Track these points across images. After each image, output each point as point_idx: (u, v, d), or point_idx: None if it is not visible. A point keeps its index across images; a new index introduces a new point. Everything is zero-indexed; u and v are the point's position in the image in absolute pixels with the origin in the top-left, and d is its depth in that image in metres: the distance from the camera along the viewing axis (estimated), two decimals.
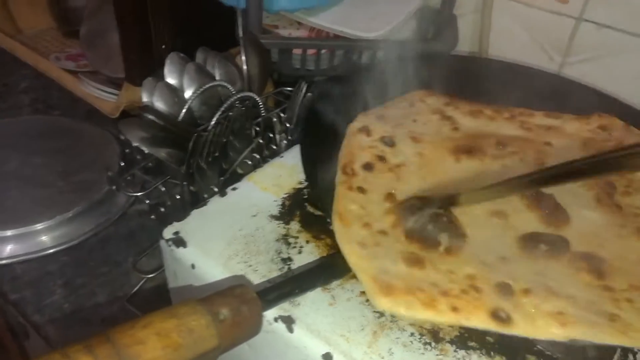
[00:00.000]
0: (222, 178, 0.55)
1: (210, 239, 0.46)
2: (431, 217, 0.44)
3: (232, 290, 0.33)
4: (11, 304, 0.61)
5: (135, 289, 0.62)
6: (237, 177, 0.53)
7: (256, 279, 0.43)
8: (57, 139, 0.78)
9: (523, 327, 0.38)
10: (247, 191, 0.50)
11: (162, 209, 0.54)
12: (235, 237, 0.46)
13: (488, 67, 0.64)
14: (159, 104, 0.58)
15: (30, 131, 0.80)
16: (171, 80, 0.62)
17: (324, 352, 0.39)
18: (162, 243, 0.46)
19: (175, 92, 0.59)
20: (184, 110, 0.57)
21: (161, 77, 0.61)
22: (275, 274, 0.43)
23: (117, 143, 0.73)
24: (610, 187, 0.49)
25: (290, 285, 0.38)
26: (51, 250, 0.66)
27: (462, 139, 0.52)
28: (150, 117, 0.52)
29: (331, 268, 0.41)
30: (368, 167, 0.48)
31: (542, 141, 0.53)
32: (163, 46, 0.74)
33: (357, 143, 0.49)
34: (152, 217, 0.54)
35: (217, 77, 0.62)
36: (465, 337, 0.40)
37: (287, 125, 0.61)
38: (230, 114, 0.55)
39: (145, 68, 0.71)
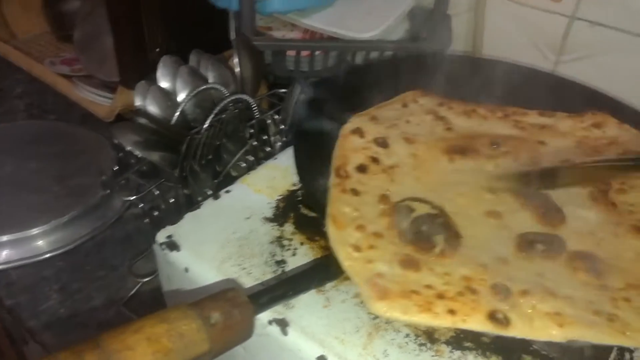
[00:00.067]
0: (215, 181, 0.55)
1: (203, 242, 0.46)
2: (425, 219, 0.44)
3: (224, 294, 0.33)
4: (6, 310, 0.61)
5: (131, 293, 0.62)
6: (231, 180, 0.53)
7: (250, 281, 0.43)
8: (52, 144, 0.77)
9: (521, 328, 0.38)
10: (241, 194, 0.50)
11: (157, 213, 0.54)
12: (229, 240, 0.46)
13: (482, 66, 0.64)
14: (152, 108, 0.58)
15: (25, 136, 0.79)
16: (164, 83, 0.62)
17: (318, 355, 0.38)
18: (156, 247, 0.46)
19: (168, 96, 0.59)
20: (177, 114, 0.57)
21: (154, 81, 0.61)
22: (269, 276, 0.43)
23: (112, 147, 0.73)
24: (605, 185, 0.49)
25: (283, 288, 0.38)
26: (47, 255, 0.65)
27: (455, 139, 0.52)
28: (143, 120, 0.52)
29: (325, 270, 0.40)
30: (362, 168, 0.48)
31: (535, 140, 0.53)
32: (157, 49, 0.74)
33: (351, 145, 0.49)
34: (146, 220, 0.53)
35: (211, 80, 0.61)
36: (461, 338, 0.40)
37: (282, 126, 0.61)
38: (223, 116, 0.55)
39: (139, 71, 0.71)
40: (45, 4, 0.94)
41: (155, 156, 0.54)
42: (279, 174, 0.52)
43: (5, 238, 0.64)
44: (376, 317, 0.40)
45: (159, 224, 0.48)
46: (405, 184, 0.47)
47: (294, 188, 0.51)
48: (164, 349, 0.29)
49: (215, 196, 0.50)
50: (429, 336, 0.40)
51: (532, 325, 0.37)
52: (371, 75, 0.61)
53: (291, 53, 0.68)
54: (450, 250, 0.42)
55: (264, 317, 0.40)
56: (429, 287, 0.39)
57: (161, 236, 0.46)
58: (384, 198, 0.46)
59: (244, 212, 0.48)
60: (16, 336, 0.66)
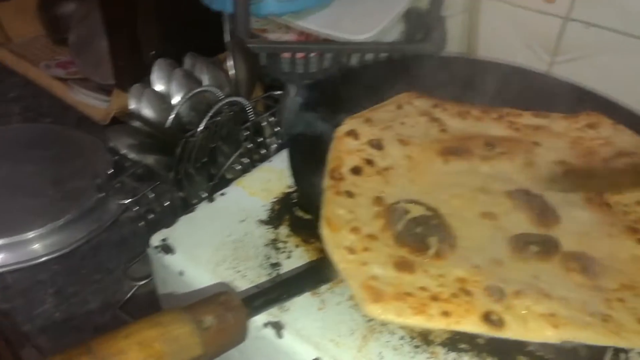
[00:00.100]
0: (211, 183, 0.55)
1: (198, 245, 0.46)
2: (420, 220, 0.44)
3: (217, 298, 0.33)
4: (2, 314, 0.61)
5: (128, 296, 0.62)
6: (226, 183, 0.53)
7: (245, 284, 0.43)
8: (47, 147, 0.77)
9: (515, 329, 0.38)
10: (236, 196, 0.50)
11: (152, 216, 0.54)
12: (224, 243, 0.46)
13: (477, 67, 0.64)
14: (147, 111, 0.58)
15: (20, 139, 0.79)
16: (159, 86, 0.62)
17: (313, 358, 0.38)
18: (150, 250, 0.46)
19: (163, 99, 0.59)
20: (171, 116, 0.57)
21: (149, 84, 0.61)
22: (264, 279, 0.43)
23: (107, 150, 0.73)
24: None
25: (277, 291, 0.38)
26: (42, 259, 0.65)
27: (450, 140, 0.52)
28: (137, 123, 0.52)
29: (319, 273, 0.40)
30: (356, 170, 0.48)
31: (530, 141, 0.53)
32: (152, 52, 0.74)
33: (345, 147, 0.49)
34: (140, 224, 0.53)
35: (205, 83, 0.61)
36: (456, 339, 0.40)
37: (277, 129, 0.61)
38: (218, 119, 0.55)
39: (134, 74, 0.71)
40: (40, 7, 0.93)
41: (150, 159, 0.54)
42: (273, 176, 0.52)
43: (0, 242, 0.64)
44: (371, 319, 0.40)
45: (154, 227, 0.48)
46: (399, 185, 0.47)
47: (289, 190, 0.51)
48: (157, 353, 0.29)
49: (210, 199, 0.50)
50: (424, 338, 0.40)
51: (527, 326, 0.37)
52: (366, 77, 0.61)
53: (286, 55, 0.68)
54: (444, 252, 0.42)
55: (259, 319, 0.40)
56: (423, 289, 0.39)
57: (156, 239, 0.46)
58: (378, 200, 0.46)
59: (239, 214, 0.48)
60: (13, 340, 0.66)
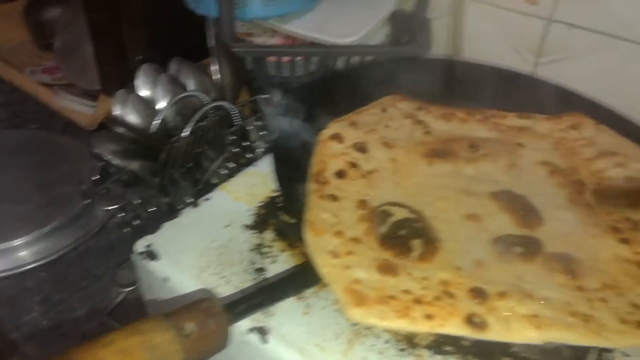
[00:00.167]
0: (197, 188, 0.55)
1: (182, 251, 0.46)
2: (404, 223, 0.44)
3: (199, 304, 0.33)
4: None
5: (115, 302, 0.61)
6: (212, 188, 0.53)
7: (229, 290, 0.43)
8: (33, 153, 0.77)
9: (498, 331, 0.38)
10: (220, 201, 0.50)
11: (138, 222, 0.53)
12: (208, 248, 0.46)
13: (461, 69, 0.64)
14: (132, 116, 0.58)
15: (6, 145, 0.79)
16: (144, 91, 0.62)
17: None
18: (134, 256, 0.46)
19: (148, 104, 0.59)
20: (157, 122, 0.57)
21: (134, 89, 0.61)
22: (249, 284, 0.43)
23: (93, 156, 0.73)
24: (580, 185, 0.49)
25: (260, 296, 0.38)
26: (29, 266, 0.65)
27: (434, 142, 0.52)
28: (121, 129, 0.52)
29: (303, 277, 0.40)
30: (340, 174, 0.48)
31: (514, 142, 0.53)
32: (138, 57, 0.74)
33: (329, 150, 0.49)
34: (126, 230, 0.53)
35: (191, 88, 0.61)
36: (442, 342, 0.40)
37: (263, 132, 0.61)
38: (203, 123, 0.55)
39: (120, 79, 0.71)
40: (26, 13, 0.93)
41: (134, 165, 0.54)
42: (259, 180, 0.52)
43: None
44: (356, 323, 0.40)
45: (140, 233, 0.48)
46: (384, 188, 0.47)
47: (274, 195, 0.51)
48: None
49: (195, 204, 0.50)
50: (409, 341, 0.40)
51: (509, 327, 0.38)
52: (351, 80, 0.61)
53: (272, 59, 0.68)
54: (428, 255, 0.42)
55: (243, 325, 0.40)
56: (406, 292, 0.39)
57: (140, 246, 0.46)
58: (362, 203, 0.46)
59: (224, 219, 0.48)
60: (1, 348, 0.65)
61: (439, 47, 0.75)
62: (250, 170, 0.54)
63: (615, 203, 0.47)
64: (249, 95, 0.67)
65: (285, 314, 0.41)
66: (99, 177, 0.55)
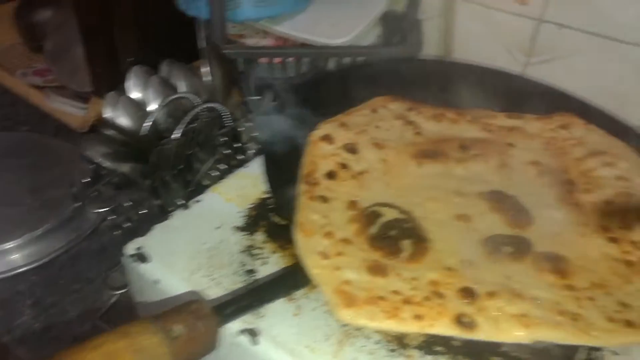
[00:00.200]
0: (188, 190, 0.55)
1: (173, 253, 0.45)
2: (394, 224, 0.44)
3: (187, 306, 0.33)
4: None
5: (108, 305, 0.61)
6: (204, 189, 0.53)
7: (220, 292, 0.43)
8: (24, 156, 0.76)
9: (487, 331, 0.38)
10: (211, 203, 0.50)
11: (128, 224, 0.53)
12: (199, 250, 0.46)
13: (452, 70, 0.65)
14: (123, 119, 0.58)
15: None
16: (135, 93, 0.62)
17: None
18: (125, 259, 0.46)
19: (139, 106, 0.59)
20: (148, 124, 0.57)
21: (125, 91, 0.61)
22: (239, 286, 0.43)
23: (84, 159, 0.72)
24: (570, 185, 0.49)
25: (250, 298, 0.38)
26: (21, 270, 0.64)
27: (425, 143, 0.52)
28: (110, 132, 0.52)
29: (292, 279, 0.40)
30: (331, 175, 0.48)
31: (504, 142, 0.54)
32: (130, 59, 0.74)
33: (320, 151, 0.49)
34: (116, 232, 0.53)
35: (182, 89, 0.61)
36: (432, 342, 0.40)
37: (255, 134, 0.61)
38: (194, 125, 0.55)
39: (112, 81, 0.71)
40: (17, 15, 0.92)
41: (125, 167, 0.54)
42: (249, 182, 0.52)
43: None
44: (347, 324, 0.40)
45: (131, 236, 0.48)
46: (374, 189, 0.48)
47: (265, 196, 0.51)
48: None
49: (185, 206, 0.50)
50: (400, 341, 0.40)
51: (498, 327, 0.38)
52: (342, 81, 0.61)
53: (264, 60, 0.68)
54: (418, 255, 0.42)
55: (234, 327, 0.40)
56: (396, 292, 0.39)
57: (130, 248, 0.46)
58: (353, 204, 0.46)
59: (214, 221, 0.48)
60: None
61: (430, 47, 0.76)
62: (241, 172, 0.54)
63: (615, 223, 0.46)
64: (240, 97, 0.67)
65: (276, 316, 0.41)
66: (89, 179, 0.55)
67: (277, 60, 0.68)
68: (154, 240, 0.46)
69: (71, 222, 0.68)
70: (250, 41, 0.72)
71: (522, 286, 0.41)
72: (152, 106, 0.61)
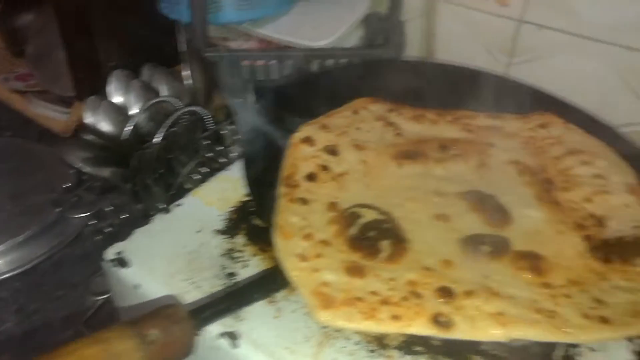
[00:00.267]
0: (169, 193, 0.55)
1: (153, 257, 0.45)
2: (373, 224, 0.44)
3: (163, 311, 0.33)
4: None
5: (91, 311, 0.61)
6: (186, 193, 0.53)
7: (199, 296, 0.42)
8: (6, 161, 0.76)
9: (464, 330, 0.38)
10: (192, 207, 0.50)
11: (109, 229, 0.53)
12: (179, 254, 0.46)
13: (434, 70, 0.65)
14: (104, 123, 0.57)
15: None
16: (117, 98, 0.62)
17: None
18: (105, 264, 0.46)
19: (120, 110, 0.59)
20: (129, 128, 0.56)
21: (107, 96, 0.61)
22: (219, 289, 0.43)
23: (65, 164, 0.72)
24: (548, 184, 0.50)
25: (227, 301, 0.38)
26: (3, 276, 0.64)
27: (405, 144, 0.52)
28: (89, 137, 0.52)
29: (271, 281, 0.40)
30: (311, 177, 0.48)
31: (484, 142, 0.54)
32: (112, 63, 0.73)
33: (300, 154, 0.49)
34: (98, 237, 0.53)
35: (164, 93, 0.61)
36: (412, 342, 0.41)
37: (237, 137, 0.61)
38: (175, 129, 0.55)
39: (94, 86, 0.70)
40: None
41: (106, 172, 0.53)
42: (231, 185, 0.52)
43: None
44: (326, 325, 0.40)
45: (112, 241, 0.47)
46: (354, 190, 0.48)
47: (246, 199, 0.51)
48: None
49: (166, 210, 0.49)
50: (380, 342, 0.40)
51: (475, 326, 0.38)
52: (324, 83, 0.61)
53: (246, 63, 0.68)
54: (396, 255, 0.42)
55: (214, 330, 0.40)
56: (374, 293, 0.39)
57: (110, 253, 0.46)
58: (332, 206, 0.46)
59: (195, 225, 0.48)
60: None
61: (412, 48, 0.76)
62: (222, 175, 0.54)
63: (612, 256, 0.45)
64: (222, 100, 0.67)
65: (256, 319, 0.41)
66: (70, 185, 0.55)
67: (259, 62, 0.68)
68: (134, 245, 0.46)
69: (54, 227, 0.68)
70: (234, 44, 0.72)
71: (499, 285, 0.41)
72: (134, 110, 0.60)
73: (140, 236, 0.47)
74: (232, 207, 0.50)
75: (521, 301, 0.40)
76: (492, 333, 0.38)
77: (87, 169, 0.52)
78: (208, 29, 0.66)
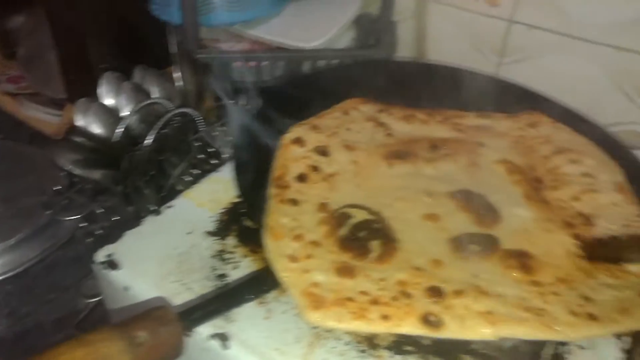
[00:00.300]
0: (161, 195, 0.55)
1: (144, 259, 0.45)
2: (363, 225, 0.45)
3: (152, 312, 0.33)
4: None
5: (83, 314, 0.61)
6: (178, 194, 0.53)
7: (190, 297, 0.42)
8: None
9: (453, 329, 0.38)
10: (183, 208, 0.50)
11: (100, 231, 0.53)
12: (170, 256, 0.45)
13: (425, 71, 0.65)
14: (95, 126, 0.57)
15: None
16: (108, 100, 0.62)
17: None
18: (95, 266, 0.46)
19: (111, 112, 0.59)
20: (120, 130, 0.56)
21: (97, 98, 0.60)
22: (209, 291, 0.43)
23: (56, 166, 0.72)
24: (537, 182, 0.50)
25: (217, 303, 0.38)
26: None
27: (395, 144, 0.53)
28: (80, 139, 0.52)
29: (260, 283, 0.40)
30: (301, 178, 0.48)
31: (474, 141, 0.54)
32: (104, 65, 0.73)
33: (291, 155, 0.49)
34: (89, 240, 0.53)
35: (155, 95, 0.61)
36: (402, 342, 0.41)
37: (229, 138, 0.61)
38: (165, 131, 0.55)
39: (86, 88, 0.70)
40: None
41: (97, 174, 0.53)
42: (222, 186, 0.52)
43: None
44: (317, 326, 0.40)
45: (103, 243, 0.47)
46: (345, 191, 0.48)
47: (237, 200, 0.51)
48: None
49: (157, 212, 0.49)
50: (370, 342, 0.41)
51: (465, 325, 0.38)
52: (315, 84, 0.61)
53: (238, 64, 0.68)
54: (386, 255, 0.42)
55: (204, 331, 0.40)
56: (364, 293, 0.39)
57: (101, 255, 0.46)
58: (323, 206, 0.46)
59: (186, 227, 0.48)
60: None
61: (404, 49, 0.76)
62: (213, 177, 0.54)
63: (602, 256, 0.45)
64: (214, 101, 0.67)
65: (247, 320, 0.41)
66: (60, 187, 0.55)
67: (251, 64, 0.68)
68: (124, 247, 0.46)
69: (46, 230, 0.68)
70: (225, 46, 0.72)
71: (488, 284, 0.41)
72: (125, 112, 0.60)
73: (130, 238, 0.47)
74: (223, 208, 0.50)
75: (510, 300, 0.40)
76: (481, 332, 0.38)
77: (78, 171, 0.52)
78: (199, 31, 0.65)
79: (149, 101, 0.59)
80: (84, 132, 0.54)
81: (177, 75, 0.61)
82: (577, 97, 0.60)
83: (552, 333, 0.38)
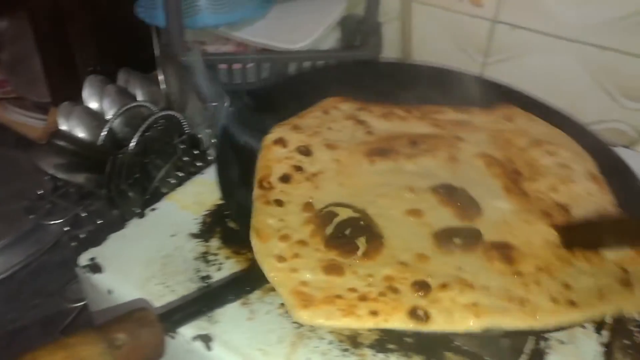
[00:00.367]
0: (144, 198, 0.54)
1: (127, 262, 0.45)
2: (348, 223, 0.45)
3: (132, 314, 0.33)
4: None
5: (69, 319, 0.60)
6: (162, 197, 0.53)
7: (174, 299, 0.42)
8: None
9: (440, 322, 0.38)
10: (167, 211, 0.50)
11: (83, 235, 0.53)
12: (153, 258, 0.45)
13: (408, 71, 0.66)
14: (78, 129, 0.57)
15: None
16: (93, 103, 0.61)
17: None
18: (78, 270, 0.45)
19: (95, 115, 0.59)
20: (103, 133, 0.56)
21: (81, 101, 0.60)
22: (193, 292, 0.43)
23: (39, 171, 0.71)
24: (516, 175, 0.50)
25: (198, 304, 0.38)
26: None
27: (376, 141, 0.53)
28: (61, 143, 0.51)
29: (242, 283, 0.40)
30: (285, 178, 0.48)
31: (453, 136, 0.54)
32: (89, 69, 0.73)
33: (273, 155, 0.49)
34: (73, 244, 0.52)
35: (139, 98, 0.61)
36: (384, 340, 0.41)
37: (214, 140, 0.61)
38: (149, 133, 0.55)
39: (70, 92, 0.70)
40: None
41: (80, 178, 0.53)
42: (206, 189, 0.52)
43: None
44: (300, 326, 0.40)
45: (87, 246, 0.47)
46: (329, 190, 0.48)
47: (221, 202, 0.50)
48: None
49: (141, 215, 0.49)
50: (353, 341, 0.41)
51: (451, 317, 0.38)
52: (300, 86, 0.61)
53: (223, 66, 0.68)
54: (372, 252, 0.42)
55: (188, 333, 0.40)
56: (352, 290, 0.39)
57: (84, 259, 0.46)
58: (308, 206, 0.46)
59: (170, 229, 0.48)
60: None
61: (389, 50, 0.77)
62: (198, 179, 0.54)
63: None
64: (199, 104, 0.67)
65: (230, 321, 0.41)
66: (43, 191, 0.54)
67: (236, 66, 0.68)
68: (108, 250, 0.46)
69: (31, 235, 0.67)
70: (211, 48, 0.72)
71: (473, 276, 0.41)
72: (110, 115, 0.60)
73: (114, 241, 0.47)
74: (207, 210, 0.50)
75: (494, 291, 0.40)
76: (467, 324, 0.38)
77: (62, 175, 0.52)
78: (184, 33, 0.65)
79: (133, 104, 0.59)
80: (67, 136, 0.54)
81: (162, 78, 0.61)
82: (561, 96, 0.61)
83: (534, 322, 0.39)
